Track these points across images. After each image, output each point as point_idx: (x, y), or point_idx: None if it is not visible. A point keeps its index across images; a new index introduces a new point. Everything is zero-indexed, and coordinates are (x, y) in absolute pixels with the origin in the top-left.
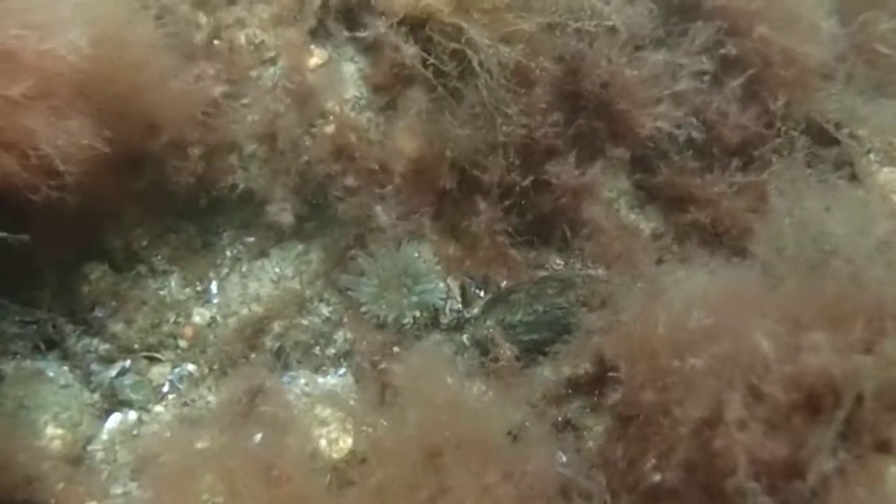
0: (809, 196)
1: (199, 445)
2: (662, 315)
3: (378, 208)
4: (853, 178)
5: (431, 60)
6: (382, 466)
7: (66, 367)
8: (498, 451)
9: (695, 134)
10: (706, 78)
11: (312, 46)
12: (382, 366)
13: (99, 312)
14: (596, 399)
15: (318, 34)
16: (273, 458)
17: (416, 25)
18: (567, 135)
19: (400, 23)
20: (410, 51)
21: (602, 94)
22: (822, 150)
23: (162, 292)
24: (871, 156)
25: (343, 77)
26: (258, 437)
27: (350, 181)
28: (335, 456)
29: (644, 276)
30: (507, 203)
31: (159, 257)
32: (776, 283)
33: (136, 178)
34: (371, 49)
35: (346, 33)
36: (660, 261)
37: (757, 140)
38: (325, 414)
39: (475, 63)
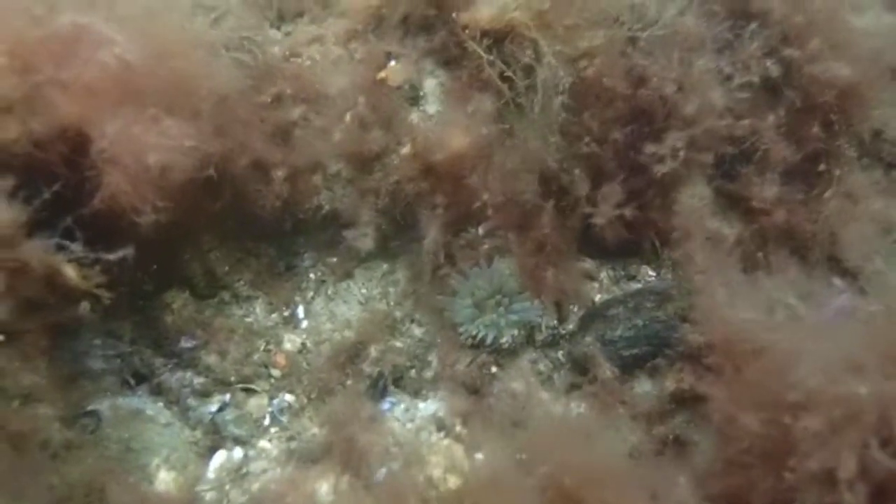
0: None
1: (324, 486)
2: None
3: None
4: None
5: (508, 73)
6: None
7: (161, 404)
8: (629, 480)
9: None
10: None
11: (393, 62)
12: (483, 389)
13: (186, 343)
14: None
15: (397, 48)
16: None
17: (499, 38)
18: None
19: (483, 34)
20: (490, 59)
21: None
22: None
23: (248, 319)
24: None
25: (426, 92)
26: (382, 472)
27: (439, 199)
28: (451, 486)
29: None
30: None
31: (241, 282)
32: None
33: (214, 200)
34: (452, 62)
35: (425, 47)
36: (745, 270)
37: (817, 154)
38: (433, 441)
39: (538, 80)
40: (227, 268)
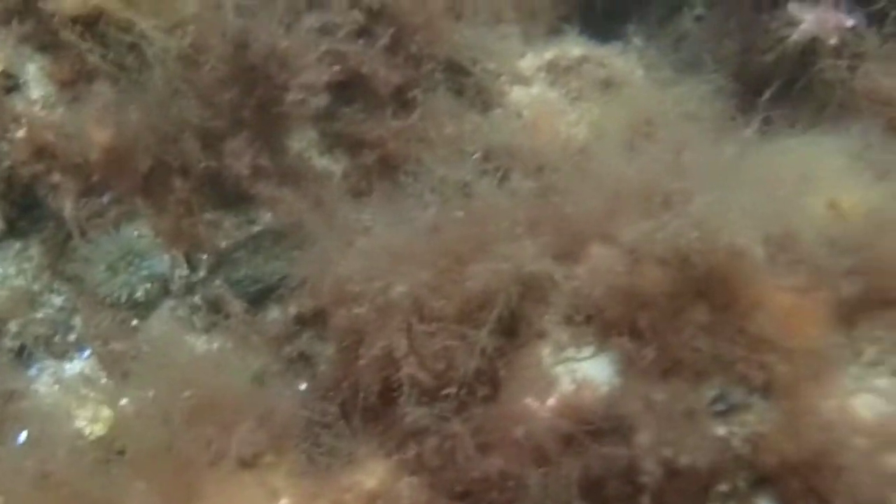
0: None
1: None
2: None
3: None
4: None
5: (111, 56)
6: (141, 434)
7: None
8: (247, 400)
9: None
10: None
11: None
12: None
13: None
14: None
15: None
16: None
17: (91, 22)
18: (249, 108)
19: (74, 21)
20: (88, 47)
21: (266, 66)
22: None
23: None
24: (503, 78)
25: (27, 78)
26: (23, 434)
27: (56, 178)
28: (97, 433)
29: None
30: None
31: None
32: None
33: None
34: (50, 47)
35: (19, 33)
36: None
37: (409, 84)
38: (78, 397)
39: (150, 55)
40: None
